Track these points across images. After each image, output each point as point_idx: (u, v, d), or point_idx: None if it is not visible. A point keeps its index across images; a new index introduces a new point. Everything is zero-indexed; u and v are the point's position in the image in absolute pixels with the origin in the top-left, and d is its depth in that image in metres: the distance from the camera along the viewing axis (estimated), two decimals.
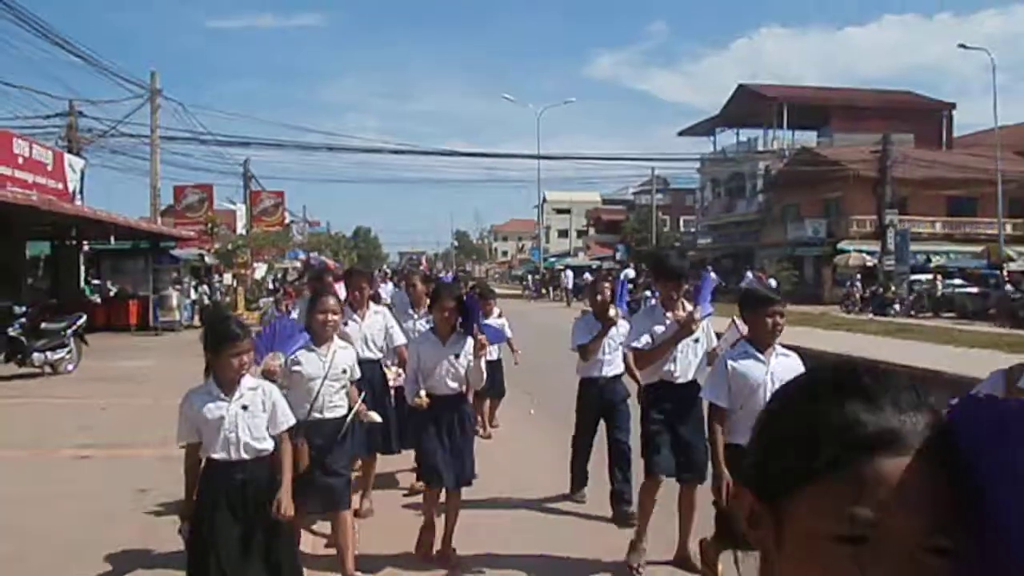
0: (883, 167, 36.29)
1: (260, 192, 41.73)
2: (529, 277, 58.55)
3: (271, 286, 28.98)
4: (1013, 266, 33.52)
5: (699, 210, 59.13)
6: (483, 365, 5.07)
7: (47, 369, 12.89)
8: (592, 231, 79.47)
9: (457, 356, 4.99)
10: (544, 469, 7.29)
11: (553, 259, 66.08)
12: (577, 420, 6.46)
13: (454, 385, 5.03)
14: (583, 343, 6.06)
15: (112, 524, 5.48)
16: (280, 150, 38.55)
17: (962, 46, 37.29)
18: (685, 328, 4.88)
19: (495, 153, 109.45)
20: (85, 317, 14.54)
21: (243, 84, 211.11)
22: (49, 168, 19.50)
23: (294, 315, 7.13)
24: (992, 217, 36.91)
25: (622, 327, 6.09)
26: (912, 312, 29.24)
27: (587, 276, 46.65)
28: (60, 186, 19.98)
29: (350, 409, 4.79)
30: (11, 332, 12.74)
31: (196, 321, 24.50)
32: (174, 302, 22.80)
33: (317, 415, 4.61)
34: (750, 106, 49.99)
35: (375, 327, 6.23)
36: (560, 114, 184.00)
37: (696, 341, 5.08)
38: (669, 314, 5.05)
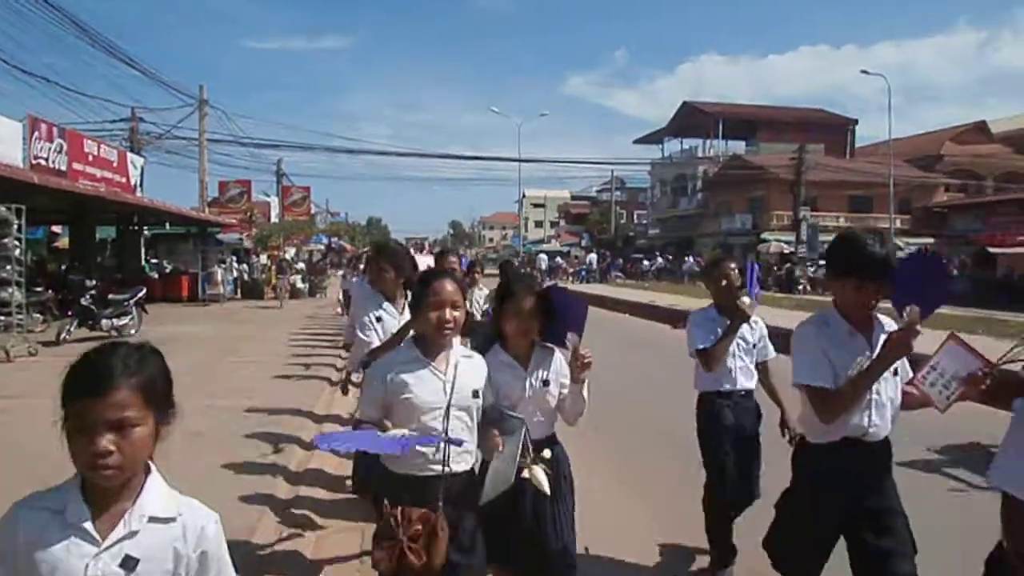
0: (798, 172, 36.38)
1: (290, 187, 41.20)
2: (513, 260, 58.54)
3: (298, 265, 28.51)
4: (900, 254, 33.77)
5: (649, 206, 59.13)
6: (586, 391, 2.77)
7: (113, 333, 12.69)
8: (563, 222, 79.28)
9: (546, 383, 2.80)
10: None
11: (531, 245, 65.86)
12: (707, 458, 3.77)
13: (542, 422, 2.81)
14: (705, 346, 3.62)
15: (168, 463, 5.41)
16: (307, 152, 38.20)
17: (864, 72, 37.50)
18: (895, 352, 2.43)
19: (484, 156, 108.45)
20: (145, 290, 14.32)
21: (277, 95, 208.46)
22: (114, 164, 19.13)
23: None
24: (885, 213, 37.20)
25: (757, 327, 3.80)
26: (820, 291, 29.49)
27: (558, 259, 46.85)
28: (124, 180, 19.62)
29: (484, 463, 2.56)
30: (83, 302, 12.55)
31: (238, 294, 24.35)
32: (219, 278, 22.60)
33: (439, 468, 2.37)
34: (692, 120, 49.94)
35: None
36: (538, 125, 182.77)
37: (895, 373, 2.62)
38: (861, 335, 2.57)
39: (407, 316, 3.61)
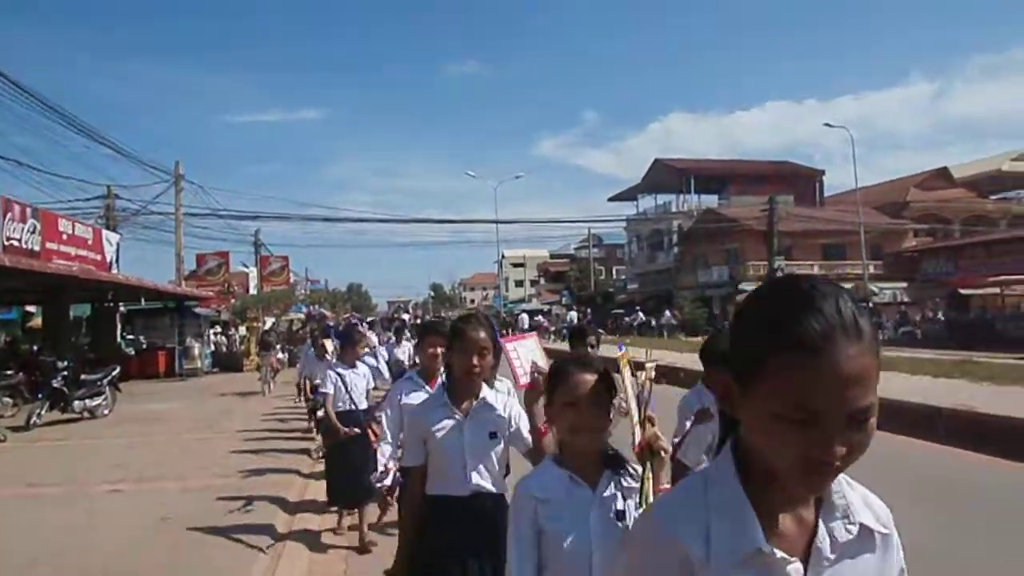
0: (770, 222, 37.18)
1: (269, 257, 41.24)
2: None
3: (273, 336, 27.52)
4: (876, 299, 34.29)
5: (627, 261, 59.73)
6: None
7: (86, 414, 12.43)
8: (542, 280, 79.76)
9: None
10: None
11: (511, 304, 65.98)
12: None
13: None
14: None
15: (140, 548, 5.23)
16: (285, 222, 38.38)
17: (827, 125, 38.60)
18: None
19: (462, 219, 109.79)
20: (119, 368, 14.08)
21: (254, 167, 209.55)
22: (89, 242, 19.07)
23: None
24: (857, 260, 37.89)
25: None
26: None
27: (539, 318, 46.87)
28: (99, 258, 19.52)
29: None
30: (55, 384, 12.29)
31: (216, 369, 23.94)
32: (196, 352, 22.30)
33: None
34: (664, 176, 50.99)
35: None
36: (513, 186, 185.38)
37: None
38: None
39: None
